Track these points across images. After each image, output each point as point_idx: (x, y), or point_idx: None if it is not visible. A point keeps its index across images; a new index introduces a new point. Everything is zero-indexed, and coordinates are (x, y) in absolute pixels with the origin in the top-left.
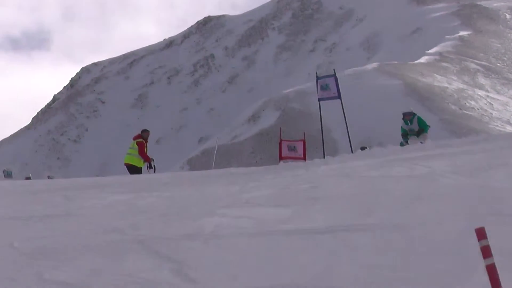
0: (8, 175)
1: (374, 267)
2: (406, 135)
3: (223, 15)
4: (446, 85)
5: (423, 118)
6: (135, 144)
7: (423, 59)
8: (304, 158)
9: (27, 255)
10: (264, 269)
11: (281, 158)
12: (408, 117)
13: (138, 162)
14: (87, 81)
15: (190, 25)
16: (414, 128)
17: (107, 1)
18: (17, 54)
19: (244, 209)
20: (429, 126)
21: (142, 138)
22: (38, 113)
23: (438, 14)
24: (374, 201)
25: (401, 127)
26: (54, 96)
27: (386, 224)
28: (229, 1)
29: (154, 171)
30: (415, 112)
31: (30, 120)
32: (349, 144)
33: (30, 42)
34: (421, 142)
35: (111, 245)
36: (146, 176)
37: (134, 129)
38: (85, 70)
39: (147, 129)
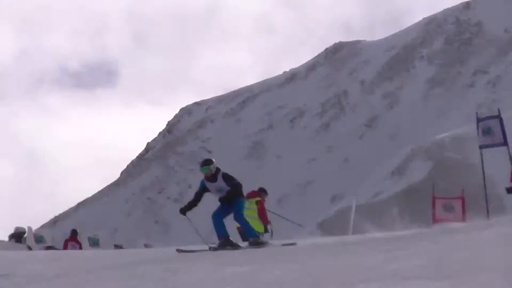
0: (94, 243)
1: None
2: None
3: (358, 41)
4: None
5: None
6: (253, 203)
7: None
8: (464, 220)
9: None
10: None
11: (435, 220)
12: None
13: (256, 225)
14: (188, 125)
15: (315, 54)
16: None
17: (184, 25)
18: (81, 91)
19: (391, 282)
20: None
21: (259, 197)
22: (128, 166)
23: None
24: None
25: None
26: (148, 144)
27: None
28: (364, 23)
29: (272, 237)
30: None
31: (119, 175)
32: None
33: (94, 76)
34: None
35: None
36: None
37: (249, 185)
38: (185, 112)
39: (265, 189)
